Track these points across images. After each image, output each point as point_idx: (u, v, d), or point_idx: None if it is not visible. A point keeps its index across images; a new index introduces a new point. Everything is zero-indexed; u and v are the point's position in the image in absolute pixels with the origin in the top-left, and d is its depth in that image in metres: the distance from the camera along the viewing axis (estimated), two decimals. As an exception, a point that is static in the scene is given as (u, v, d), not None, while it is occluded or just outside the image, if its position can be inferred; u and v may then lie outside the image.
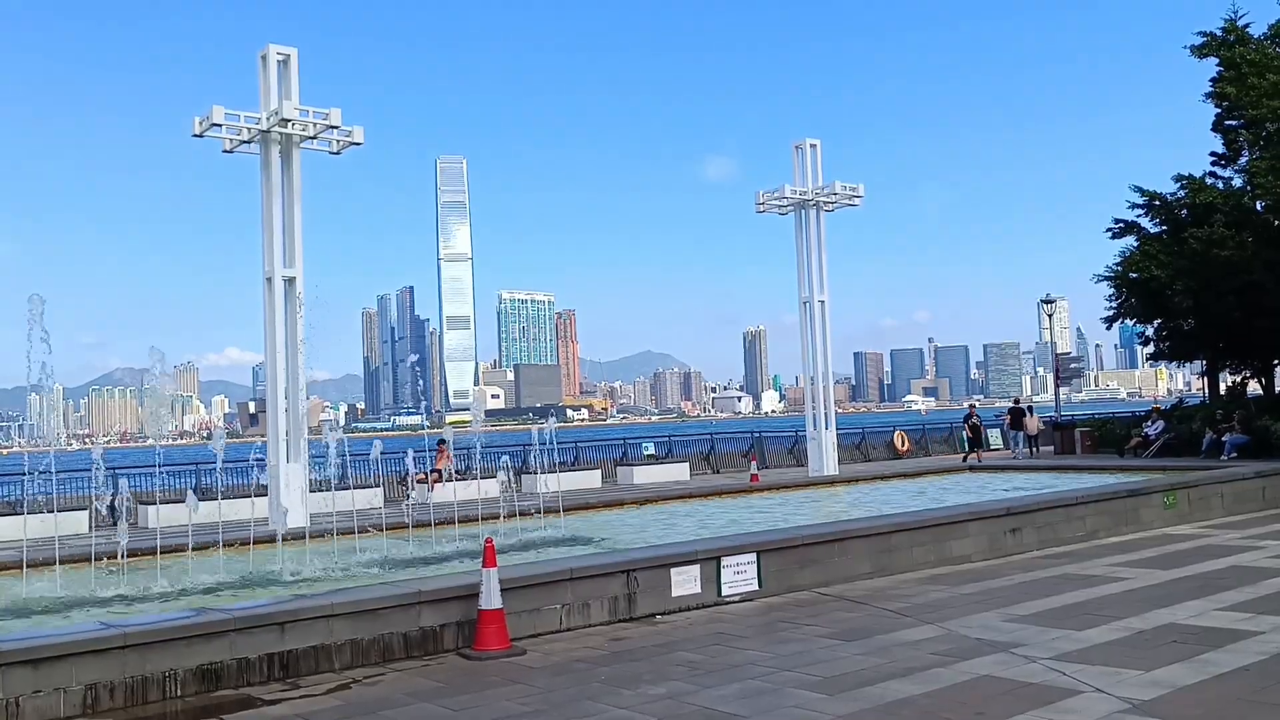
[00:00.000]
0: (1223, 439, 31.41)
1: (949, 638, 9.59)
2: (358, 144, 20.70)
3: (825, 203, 29.18)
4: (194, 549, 13.96)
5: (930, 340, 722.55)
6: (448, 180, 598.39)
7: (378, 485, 25.48)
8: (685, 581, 11.68)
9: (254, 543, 14.58)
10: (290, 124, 19.67)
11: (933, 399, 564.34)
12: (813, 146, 29.14)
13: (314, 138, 20.32)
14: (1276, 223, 37.94)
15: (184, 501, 18.67)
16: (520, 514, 17.47)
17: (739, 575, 12.14)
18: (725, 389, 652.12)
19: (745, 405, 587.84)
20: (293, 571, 13.19)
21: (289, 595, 10.84)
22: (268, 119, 19.70)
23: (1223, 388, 50.62)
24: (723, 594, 11.92)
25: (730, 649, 9.53)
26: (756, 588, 12.19)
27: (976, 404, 38.03)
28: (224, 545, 14.26)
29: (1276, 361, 49.35)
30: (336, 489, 18.57)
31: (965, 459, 33.34)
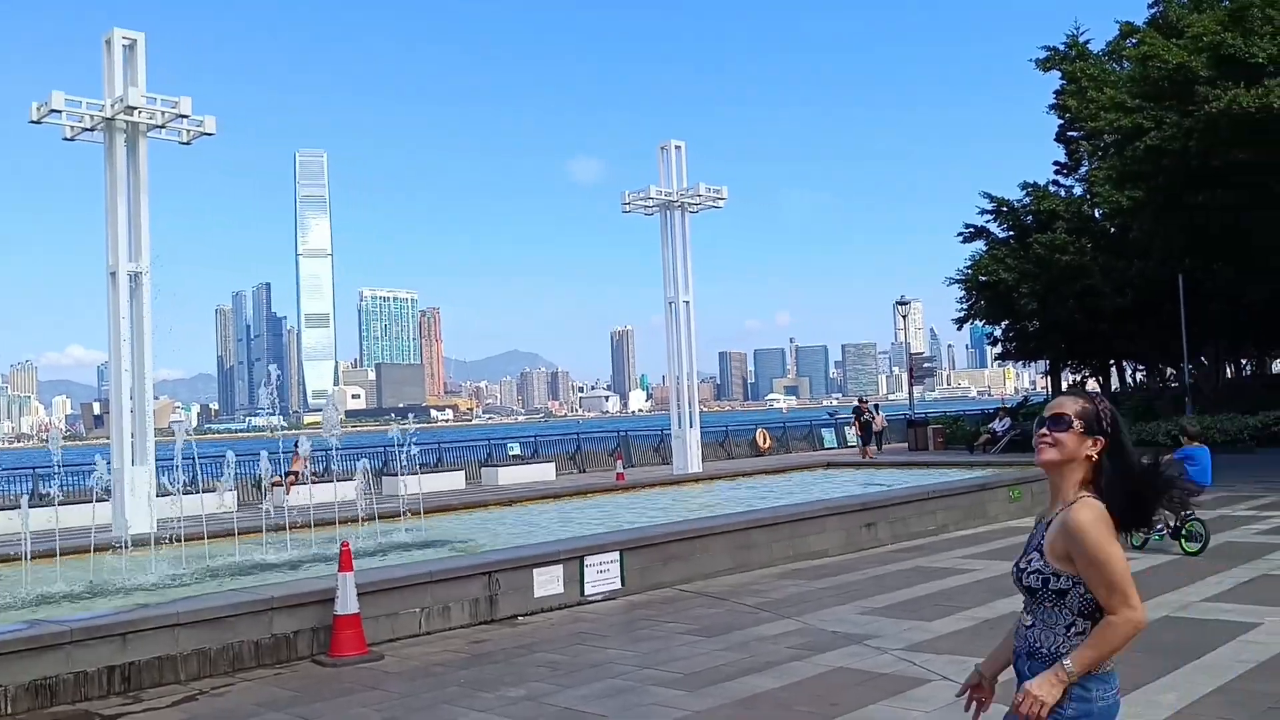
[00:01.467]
0: (1064, 435, 32.88)
1: (806, 631, 9.80)
2: (209, 134, 19.97)
3: (690, 204, 29.51)
4: (30, 557, 13.24)
5: (791, 341, 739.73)
6: (307, 174, 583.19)
7: (231, 489, 24.65)
8: (548, 582, 11.64)
9: (95, 550, 13.91)
10: (136, 112, 18.86)
11: (794, 398, 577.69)
12: (678, 148, 29.45)
13: (162, 127, 19.53)
14: (1113, 229, 40.13)
15: (17, 508, 17.73)
16: (380, 517, 17.13)
17: (602, 574, 12.15)
18: (593, 389, 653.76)
19: (613, 405, 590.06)
20: (136, 579, 12.63)
21: (131, 605, 10.39)
22: (112, 106, 18.84)
23: (1064, 386, 53.28)
24: (586, 593, 11.92)
25: (591, 648, 9.54)
26: (619, 586, 12.23)
27: (866, 400, 38.78)
28: (62, 553, 13.56)
29: (1112, 361, 52.25)
30: (185, 493, 17.90)
31: (864, 453, 33.58)
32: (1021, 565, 3.44)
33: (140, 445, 18.80)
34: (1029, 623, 3.44)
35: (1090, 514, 3.28)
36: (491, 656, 9.39)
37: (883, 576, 12.81)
